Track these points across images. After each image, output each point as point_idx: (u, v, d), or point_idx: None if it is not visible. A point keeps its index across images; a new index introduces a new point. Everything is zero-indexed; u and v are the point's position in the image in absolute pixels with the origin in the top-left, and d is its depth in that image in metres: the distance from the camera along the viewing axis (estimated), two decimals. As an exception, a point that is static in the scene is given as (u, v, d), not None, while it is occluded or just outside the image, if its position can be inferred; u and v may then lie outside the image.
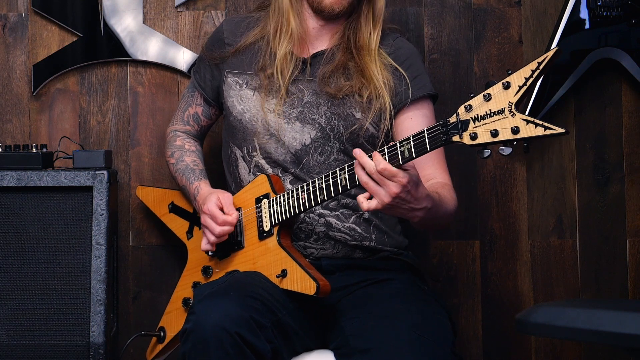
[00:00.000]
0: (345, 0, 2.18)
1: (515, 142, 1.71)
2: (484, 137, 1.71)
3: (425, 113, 2.24)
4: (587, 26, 2.58)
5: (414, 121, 2.21)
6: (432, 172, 2.17)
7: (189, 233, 2.38)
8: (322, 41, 2.26)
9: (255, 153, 2.24)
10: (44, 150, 2.46)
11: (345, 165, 1.95)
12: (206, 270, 2.26)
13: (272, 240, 2.10)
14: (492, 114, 1.70)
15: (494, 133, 1.70)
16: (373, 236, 2.22)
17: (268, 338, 1.91)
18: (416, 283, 2.21)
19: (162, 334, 2.39)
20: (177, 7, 2.67)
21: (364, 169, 1.86)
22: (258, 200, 2.14)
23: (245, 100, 2.25)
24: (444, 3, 2.68)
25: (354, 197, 2.17)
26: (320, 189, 2.00)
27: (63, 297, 2.38)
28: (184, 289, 2.34)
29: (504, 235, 2.69)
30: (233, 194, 2.26)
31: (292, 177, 2.20)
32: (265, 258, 2.10)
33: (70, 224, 2.40)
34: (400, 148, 1.83)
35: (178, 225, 2.42)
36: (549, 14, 2.67)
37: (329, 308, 2.12)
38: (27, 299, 2.38)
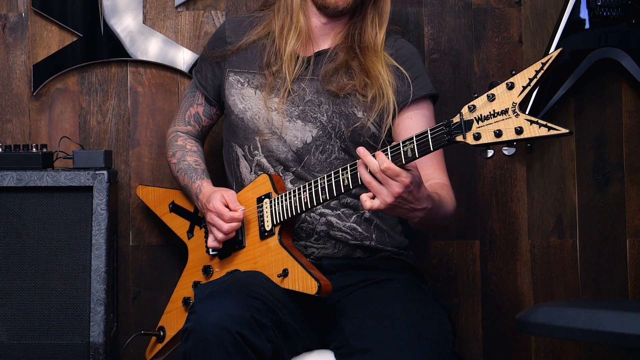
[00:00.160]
0: None
1: (516, 143, 1.72)
2: (487, 137, 1.72)
3: (425, 113, 2.24)
4: (587, 26, 2.58)
5: (414, 121, 2.21)
6: (431, 172, 2.17)
7: (190, 232, 2.38)
8: (325, 40, 2.27)
9: (256, 152, 2.24)
10: (44, 150, 2.46)
11: (348, 165, 1.95)
12: (207, 270, 2.26)
13: (274, 240, 2.10)
14: (495, 114, 1.71)
15: (498, 133, 1.70)
16: (374, 236, 2.22)
17: (269, 338, 1.91)
18: (416, 283, 2.21)
19: (161, 333, 2.39)
20: (177, 7, 2.67)
21: (367, 168, 1.86)
22: (259, 200, 2.14)
23: (246, 99, 2.25)
24: (444, 3, 2.68)
25: (355, 196, 2.18)
26: (323, 188, 2.00)
27: (63, 297, 2.38)
28: (184, 289, 2.34)
29: (504, 235, 2.69)
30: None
31: (293, 176, 2.21)
32: (266, 258, 2.10)
33: (70, 224, 2.40)
34: (403, 148, 1.84)
35: (178, 225, 2.42)
36: (549, 14, 2.67)
37: (329, 308, 2.13)
38: (27, 299, 2.38)
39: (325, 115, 2.20)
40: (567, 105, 2.66)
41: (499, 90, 1.71)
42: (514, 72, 1.71)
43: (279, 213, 2.09)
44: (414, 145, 1.82)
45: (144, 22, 2.65)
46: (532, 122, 1.66)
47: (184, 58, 2.65)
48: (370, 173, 1.86)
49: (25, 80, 2.66)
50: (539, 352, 2.69)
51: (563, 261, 2.69)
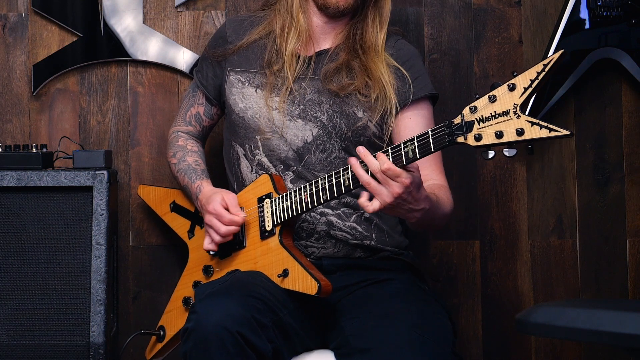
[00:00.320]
0: None
1: (517, 144, 1.72)
2: (488, 139, 1.72)
3: (424, 114, 2.24)
4: (587, 26, 2.58)
5: (413, 121, 2.22)
6: (429, 173, 2.17)
7: (190, 232, 2.38)
8: (326, 40, 2.27)
9: (257, 151, 2.24)
10: (44, 150, 2.46)
11: (348, 165, 1.95)
12: (207, 270, 2.26)
13: (274, 240, 2.10)
14: (497, 116, 1.71)
15: (499, 134, 1.70)
16: (374, 235, 2.22)
17: (269, 338, 1.91)
18: (416, 283, 2.21)
19: (161, 332, 2.39)
20: (177, 7, 2.67)
21: (364, 169, 1.87)
22: (260, 200, 2.14)
23: (247, 98, 2.25)
24: (444, 3, 2.68)
25: (355, 196, 2.17)
26: (323, 189, 2.00)
27: (63, 297, 2.38)
28: (184, 288, 2.34)
29: (504, 235, 2.69)
30: (235, 193, 2.26)
31: (293, 175, 2.21)
32: (266, 258, 2.10)
33: (70, 224, 2.40)
34: (404, 149, 1.84)
35: (179, 225, 2.42)
36: (549, 14, 2.67)
37: (329, 308, 2.13)
38: (27, 299, 2.38)
39: (325, 114, 2.20)
40: (567, 105, 2.66)
41: (501, 91, 1.71)
42: (515, 74, 1.71)
43: (280, 213, 2.09)
44: (415, 146, 1.82)
45: (144, 22, 2.66)
46: (533, 123, 1.66)
47: (184, 58, 2.66)
48: (371, 174, 1.86)
49: (25, 80, 2.66)
50: (539, 352, 2.69)
51: (563, 261, 2.69)
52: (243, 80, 2.27)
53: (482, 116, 1.73)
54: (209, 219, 2.17)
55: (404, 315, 1.99)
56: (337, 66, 2.21)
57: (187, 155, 2.36)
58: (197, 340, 1.88)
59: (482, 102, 1.73)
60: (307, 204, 2.04)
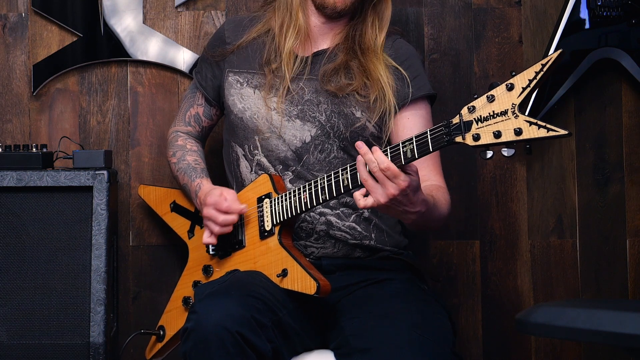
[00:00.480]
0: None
1: (515, 144, 1.72)
2: (486, 138, 1.72)
3: (422, 113, 2.24)
4: (587, 26, 2.58)
5: (411, 121, 2.22)
6: (427, 173, 2.17)
7: (190, 232, 2.38)
8: (324, 40, 2.27)
9: (256, 151, 2.24)
10: (44, 150, 2.46)
11: (348, 165, 1.95)
12: (207, 270, 2.26)
13: (274, 240, 2.10)
14: (495, 115, 1.71)
15: (497, 134, 1.70)
16: (373, 235, 2.22)
17: (269, 337, 1.91)
18: (416, 283, 2.21)
19: (161, 332, 2.39)
20: (177, 7, 2.67)
21: (365, 166, 1.86)
22: (260, 200, 2.14)
23: (245, 98, 2.25)
24: (444, 3, 2.68)
25: (355, 196, 2.18)
26: (322, 188, 2.00)
27: (63, 297, 2.38)
28: (184, 288, 2.34)
29: (504, 235, 2.69)
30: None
31: (293, 175, 2.21)
32: (266, 257, 2.10)
33: (70, 224, 2.40)
34: (402, 148, 1.84)
35: (179, 225, 2.42)
36: (549, 14, 2.67)
37: (329, 308, 2.13)
38: (27, 299, 2.38)
39: (323, 114, 2.20)
40: (567, 105, 2.66)
41: (499, 91, 1.71)
42: (513, 74, 1.71)
43: (279, 213, 2.09)
44: (413, 146, 1.82)
45: (144, 22, 2.66)
46: (531, 123, 1.66)
47: (184, 58, 2.66)
48: (369, 171, 1.86)
49: (25, 80, 2.66)
50: (539, 352, 2.69)
51: (563, 261, 2.69)
52: (241, 81, 2.27)
53: (481, 116, 1.73)
54: (207, 211, 2.17)
55: (403, 315, 1.99)
56: (336, 67, 2.21)
57: (187, 154, 2.36)
58: (197, 340, 1.88)
59: (480, 102, 1.73)
60: (306, 203, 2.04)
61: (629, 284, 2.68)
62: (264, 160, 2.23)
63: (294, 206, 2.06)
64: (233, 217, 2.14)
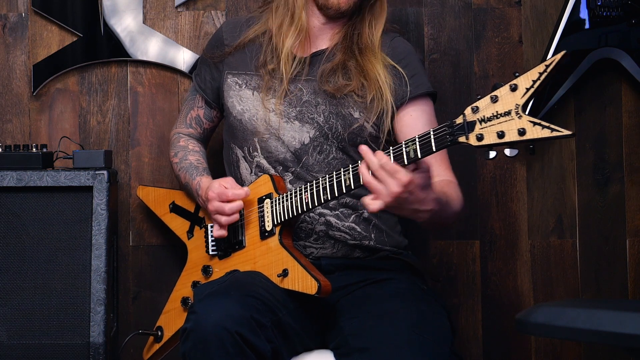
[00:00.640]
0: None
1: (519, 144, 1.72)
2: (490, 138, 1.72)
3: (425, 109, 2.24)
4: (587, 26, 2.58)
5: (414, 118, 2.21)
6: (436, 169, 2.16)
7: (190, 233, 2.38)
8: (322, 40, 2.27)
9: (256, 153, 2.24)
10: (44, 150, 2.46)
11: (350, 165, 1.95)
12: (206, 270, 2.26)
13: (274, 240, 2.10)
14: (498, 116, 1.71)
15: (500, 134, 1.70)
16: (372, 235, 2.22)
17: (268, 338, 1.91)
18: (416, 283, 2.21)
19: (159, 333, 2.39)
20: (177, 7, 2.67)
21: (368, 168, 1.86)
22: (260, 200, 2.14)
23: (244, 100, 2.25)
24: (444, 3, 2.68)
25: (355, 196, 2.18)
26: (324, 188, 2.00)
27: (63, 297, 2.38)
28: (183, 289, 2.34)
29: (504, 235, 2.69)
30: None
31: (292, 176, 2.21)
32: (266, 257, 2.10)
33: (70, 224, 2.40)
34: (405, 148, 1.84)
35: (178, 225, 2.42)
36: (549, 14, 2.67)
37: (328, 308, 2.13)
38: (27, 299, 2.38)
39: (322, 116, 2.20)
40: (567, 105, 2.66)
41: (502, 91, 1.71)
42: (517, 74, 1.71)
43: (280, 213, 2.09)
44: (416, 146, 1.82)
45: (144, 22, 2.66)
46: (535, 123, 1.66)
47: (184, 58, 2.66)
48: (372, 173, 1.86)
49: (25, 80, 2.66)
50: (539, 352, 2.69)
51: (563, 261, 2.69)
52: (240, 82, 2.27)
53: (484, 116, 1.73)
54: (212, 204, 2.16)
55: (403, 315, 1.99)
56: (333, 67, 2.21)
57: (189, 154, 2.36)
58: (197, 341, 1.88)
59: (484, 102, 1.73)
60: (307, 204, 2.04)
61: (629, 284, 2.68)
62: (263, 161, 2.23)
63: (295, 206, 2.06)
64: (239, 204, 2.14)
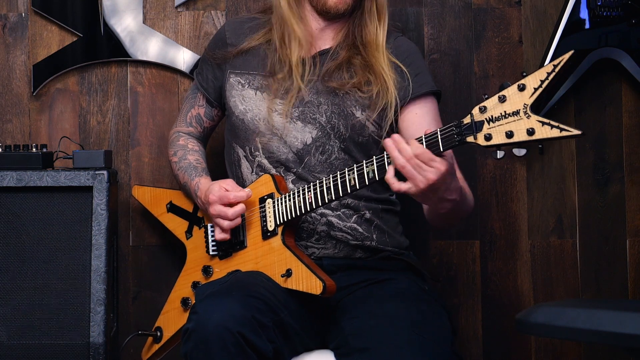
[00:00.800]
0: None
1: (528, 143, 1.72)
2: (498, 138, 1.72)
3: (430, 107, 2.24)
4: (587, 26, 2.58)
5: (419, 116, 2.21)
6: None
7: (188, 233, 2.37)
8: (326, 40, 2.27)
9: (257, 153, 2.24)
10: (44, 150, 2.46)
11: (354, 165, 1.95)
12: (206, 270, 2.26)
13: (277, 240, 2.09)
14: (507, 115, 1.71)
15: (509, 134, 1.71)
16: (374, 236, 2.22)
17: (270, 338, 1.91)
18: (417, 283, 2.21)
19: (158, 333, 2.39)
20: (177, 7, 2.67)
21: (400, 154, 1.84)
22: (262, 200, 2.14)
23: (247, 100, 2.25)
24: (444, 3, 2.68)
25: (356, 197, 2.18)
26: (328, 188, 2.00)
27: (63, 297, 2.38)
28: (182, 289, 2.34)
29: (504, 235, 2.69)
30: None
31: (294, 177, 2.21)
32: (268, 258, 2.10)
33: (70, 224, 2.40)
34: None
35: (177, 225, 2.42)
36: (549, 14, 2.67)
37: (329, 308, 2.13)
38: (27, 299, 2.38)
39: (324, 115, 2.20)
40: (567, 105, 2.66)
41: (510, 91, 1.71)
42: (524, 74, 1.71)
43: (283, 213, 2.09)
44: (423, 145, 1.82)
45: (144, 22, 2.66)
46: (544, 123, 1.67)
47: (184, 58, 2.66)
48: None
49: (25, 80, 2.66)
50: (539, 352, 2.69)
51: (563, 261, 2.69)
52: (243, 82, 2.27)
53: (492, 116, 1.73)
54: (213, 208, 2.16)
55: (403, 315, 1.99)
56: (338, 64, 2.21)
57: (188, 153, 2.36)
58: (198, 341, 1.88)
59: (491, 102, 1.74)
60: (311, 204, 2.04)
61: (629, 284, 2.68)
62: (265, 161, 2.23)
63: (299, 206, 2.06)
64: (242, 207, 2.13)
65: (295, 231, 2.13)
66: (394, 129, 2.22)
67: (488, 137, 1.74)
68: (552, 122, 1.65)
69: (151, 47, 2.65)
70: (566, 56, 1.66)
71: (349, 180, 1.96)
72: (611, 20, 2.57)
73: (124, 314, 2.65)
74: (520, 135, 1.70)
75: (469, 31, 2.68)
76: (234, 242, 2.19)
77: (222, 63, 2.31)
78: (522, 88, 1.70)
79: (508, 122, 1.71)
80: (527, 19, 2.68)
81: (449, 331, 2.06)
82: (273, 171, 2.22)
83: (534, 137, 1.68)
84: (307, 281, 2.00)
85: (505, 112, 1.72)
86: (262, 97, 2.23)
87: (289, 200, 2.08)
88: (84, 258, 2.38)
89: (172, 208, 2.43)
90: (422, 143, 1.83)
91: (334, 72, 2.21)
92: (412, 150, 1.82)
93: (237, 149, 2.28)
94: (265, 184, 2.15)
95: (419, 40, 2.66)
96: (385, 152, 1.89)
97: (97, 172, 2.39)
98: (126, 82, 2.67)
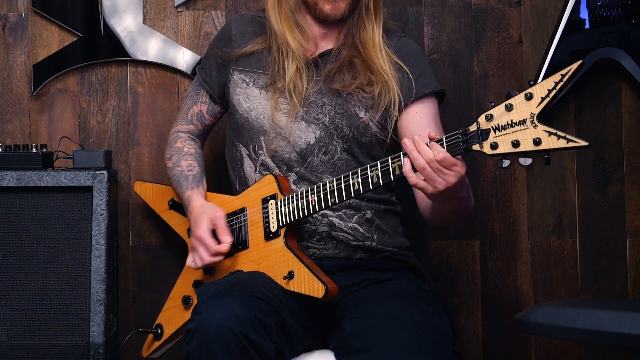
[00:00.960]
0: (342, 4, 2.18)
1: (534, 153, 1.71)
2: (504, 147, 1.72)
3: (430, 108, 2.24)
4: (587, 26, 2.58)
5: (419, 116, 2.21)
6: None
7: (190, 231, 2.37)
8: (328, 42, 2.27)
9: (261, 152, 2.24)
10: (44, 150, 2.46)
11: (358, 169, 1.95)
12: (208, 269, 2.25)
13: (279, 242, 2.09)
14: (513, 124, 1.71)
15: (515, 143, 1.70)
16: (375, 236, 2.22)
17: (272, 338, 1.91)
18: (417, 283, 2.21)
19: (159, 331, 2.39)
20: (177, 7, 2.67)
21: (419, 154, 1.84)
22: (265, 201, 2.14)
23: (251, 99, 2.25)
24: (444, 3, 2.68)
25: (357, 198, 2.18)
26: (332, 192, 2.00)
27: (63, 297, 2.38)
28: (183, 287, 2.34)
29: (504, 235, 2.69)
30: (237, 193, 2.26)
31: (296, 177, 2.21)
32: (271, 259, 2.10)
33: (70, 224, 2.40)
34: None
35: (178, 223, 2.42)
36: (549, 14, 2.67)
37: (330, 308, 2.13)
38: (27, 299, 2.38)
39: (327, 116, 2.20)
40: (567, 105, 2.66)
41: (517, 100, 1.71)
42: (532, 83, 1.70)
43: (286, 215, 2.08)
44: (444, 149, 1.82)
45: (144, 22, 2.66)
46: (550, 133, 1.66)
47: (184, 58, 2.65)
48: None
49: (25, 80, 2.66)
50: (539, 352, 2.69)
51: (563, 261, 2.69)
52: (247, 80, 2.27)
53: (498, 124, 1.73)
54: (195, 244, 2.17)
55: (404, 315, 1.99)
56: (340, 65, 2.21)
57: (182, 159, 2.34)
58: (201, 341, 1.88)
59: (498, 111, 1.73)
60: (314, 206, 2.04)
61: (629, 284, 2.68)
62: (268, 160, 2.23)
63: (302, 208, 2.06)
64: (219, 258, 2.14)
65: (297, 233, 2.13)
66: (395, 129, 2.22)
67: (494, 146, 1.73)
68: (559, 133, 1.64)
69: (151, 47, 2.65)
70: (574, 66, 1.64)
71: (353, 184, 1.96)
72: (611, 20, 2.57)
73: (124, 314, 2.65)
74: (527, 145, 1.69)
75: (469, 31, 2.68)
76: (236, 242, 2.19)
77: (226, 60, 2.30)
78: (529, 97, 1.69)
79: (514, 131, 1.70)
80: (527, 19, 2.68)
81: (449, 331, 2.06)
82: (276, 170, 2.22)
83: (540, 147, 1.67)
84: (309, 284, 2.00)
85: (511, 120, 1.71)
86: (266, 96, 2.23)
87: (292, 202, 2.08)
88: (84, 258, 2.38)
89: (174, 205, 2.43)
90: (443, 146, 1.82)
91: (337, 74, 2.21)
92: (434, 155, 1.82)
93: (240, 148, 2.28)
94: (268, 185, 2.15)
95: (418, 40, 2.66)
96: (402, 151, 1.89)
97: (97, 172, 2.39)
98: (126, 82, 2.67)
